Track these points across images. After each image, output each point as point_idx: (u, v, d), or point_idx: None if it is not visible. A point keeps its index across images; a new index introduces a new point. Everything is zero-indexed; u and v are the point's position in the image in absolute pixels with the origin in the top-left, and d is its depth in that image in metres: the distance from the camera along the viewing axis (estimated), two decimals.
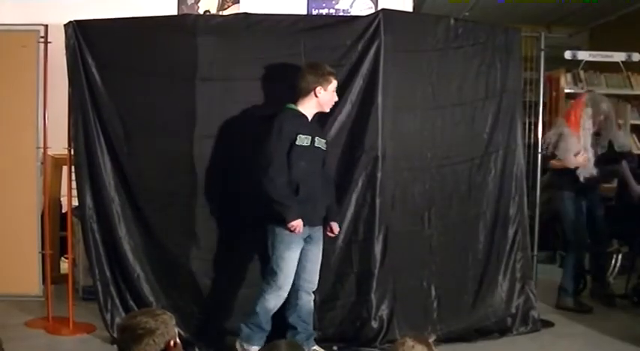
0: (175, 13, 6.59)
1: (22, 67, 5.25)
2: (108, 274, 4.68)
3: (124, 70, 4.60)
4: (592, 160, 5.45)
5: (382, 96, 4.51)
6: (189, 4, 6.71)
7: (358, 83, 4.50)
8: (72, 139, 4.69)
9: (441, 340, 4.30)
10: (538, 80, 5.59)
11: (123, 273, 4.67)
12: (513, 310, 4.94)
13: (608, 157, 5.58)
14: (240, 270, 4.55)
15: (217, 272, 4.55)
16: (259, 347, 4.10)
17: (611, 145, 5.61)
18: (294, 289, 4.21)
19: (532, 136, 6.07)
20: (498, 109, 4.90)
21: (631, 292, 5.81)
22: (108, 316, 4.64)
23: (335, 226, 4.33)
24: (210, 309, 4.56)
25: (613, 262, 6.01)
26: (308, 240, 4.18)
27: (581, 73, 7.86)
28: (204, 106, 4.49)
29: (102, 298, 4.66)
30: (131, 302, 4.65)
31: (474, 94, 4.85)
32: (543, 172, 5.77)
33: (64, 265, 5.62)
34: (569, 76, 7.84)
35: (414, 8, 7.06)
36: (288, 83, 4.39)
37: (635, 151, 5.84)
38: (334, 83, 4.20)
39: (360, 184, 4.52)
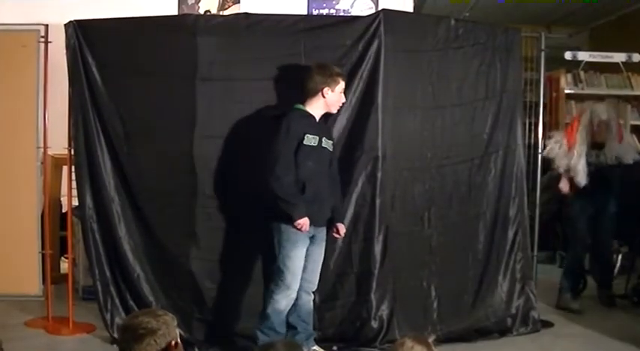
0: (176, 13, 6.59)
1: (23, 66, 5.26)
2: (108, 274, 4.69)
3: (124, 70, 4.61)
4: (581, 171, 5.48)
5: (382, 96, 4.51)
6: (189, 4, 6.72)
7: (358, 83, 4.50)
8: (72, 138, 4.70)
9: (441, 341, 4.29)
10: (538, 80, 5.59)
11: (123, 273, 4.67)
12: (513, 311, 4.94)
13: (600, 169, 5.59)
14: (240, 270, 4.55)
15: (217, 272, 4.55)
16: None
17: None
18: None
19: (532, 136, 6.08)
20: (498, 110, 4.90)
21: (631, 292, 5.81)
22: (108, 316, 4.64)
23: (341, 227, 4.34)
24: (216, 310, 4.56)
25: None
26: (311, 240, 4.18)
27: (582, 73, 7.86)
28: (204, 106, 4.49)
29: (102, 298, 4.66)
30: (131, 302, 4.65)
31: (474, 95, 4.85)
32: (543, 172, 5.77)
33: (64, 265, 5.61)
34: (569, 76, 7.85)
35: (414, 8, 7.06)
36: (288, 83, 4.41)
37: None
38: (342, 84, 4.21)
39: (360, 184, 4.52)
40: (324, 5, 6.76)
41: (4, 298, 5.32)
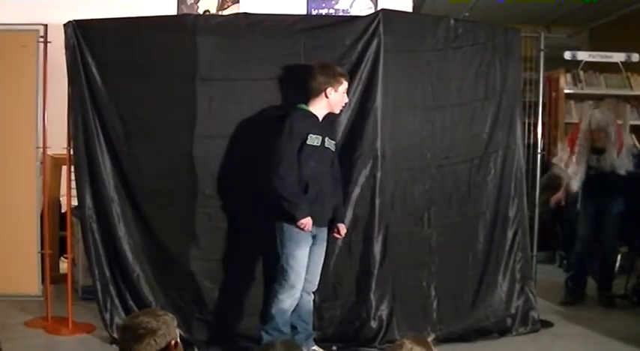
0: (175, 12, 6.58)
1: (22, 66, 5.25)
2: (107, 274, 4.68)
3: (124, 70, 4.60)
4: (576, 178, 5.60)
5: (382, 96, 4.51)
6: (188, 3, 6.71)
7: (358, 83, 4.49)
8: (71, 138, 4.69)
9: (441, 340, 4.30)
10: (538, 80, 5.59)
11: (122, 273, 4.67)
12: (513, 311, 4.94)
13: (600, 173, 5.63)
14: (240, 270, 4.55)
15: (217, 272, 4.55)
16: None
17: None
18: None
19: (532, 136, 6.08)
20: (498, 110, 4.90)
21: (630, 292, 5.81)
22: (107, 316, 4.64)
23: (342, 227, 4.34)
24: (216, 311, 4.56)
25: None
26: (313, 240, 4.19)
27: (581, 73, 7.87)
28: (204, 106, 4.48)
29: (101, 298, 4.66)
30: (130, 302, 4.65)
31: (474, 95, 4.84)
32: (543, 172, 5.78)
33: (64, 265, 5.61)
34: (568, 76, 7.86)
35: (413, 8, 7.06)
36: (288, 83, 4.41)
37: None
38: (345, 84, 4.22)
39: (359, 184, 4.52)
40: (324, 5, 6.76)
41: (4, 298, 5.31)
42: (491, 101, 4.89)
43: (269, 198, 4.13)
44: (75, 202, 4.83)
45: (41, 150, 5.07)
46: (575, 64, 7.71)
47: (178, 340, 2.43)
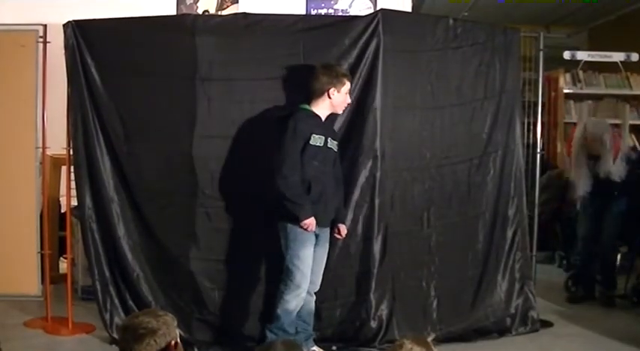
0: (174, 13, 6.58)
1: (21, 67, 5.24)
2: (107, 274, 4.68)
3: (123, 70, 4.60)
4: (580, 185, 5.69)
5: (381, 96, 4.51)
6: (188, 3, 6.71)
7: (357, 83, 4.49)
8: (71, 138, 4.69)
9: (441, 340, 4.30)
10: (537, 80, 5.59)
11: (122, 273, 4.67)
12: (512, 311, 4.94)
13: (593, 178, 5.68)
14: (240, 270, 4.54)
15: (217, 272, 4.55)
16: None
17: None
18: None
19: (531, 136, 6.08)
20: (497, 109, 4.90)
21: (630, 292, 5.82)
22: (107, 316, 4.64)
23: (343, 228, 4.35)
24: (216, 310, 4.56)
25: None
26: (315, 240, 4.19)
27: (580, 73, 7.88)
28: (203, 106, 4.48)
29: (101, 298, 4.66)
30: (130, 302, 4.65)
31: (473, 94, 4.84)
32: (542, 172, 5.78)
33: (63, 265, 5.61)
34: (568, 76, 7.87)
35: (413, 8, 7.06)
36: (287, 83, 4.41)
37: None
38: (347, 85, 4.22)
39: (359, 184, 4.52)
40: (323, 5, 6.75)
41: (3, 298, 5.31)
42: (491, 101, 4.89)
43: (270, 198, 4.13)
44: (74, 202, 4.84)
45: (41, 150, 5.06)
46: (574, 63, 7.71)
47: (178, 340, 2.43)
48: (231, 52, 4.52)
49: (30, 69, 5.16)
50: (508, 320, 4.93)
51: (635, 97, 7.90)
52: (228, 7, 6.71)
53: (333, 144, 4.22)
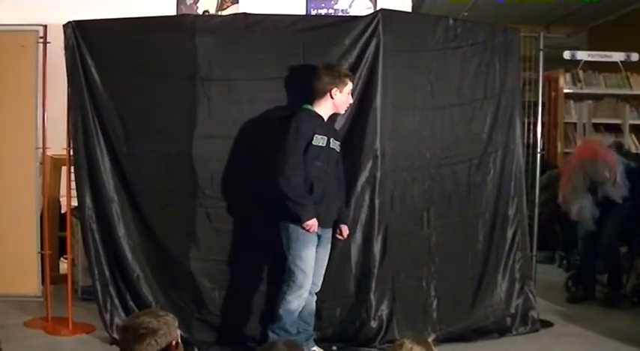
0: (174, 13, 6.58)
1: (21, 67, 5.24)
2: (107, 274, 4.68)
3: (123, 70, 4.60)
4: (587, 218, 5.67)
5: (381, 96, 4.51)
6: (188, 4, 6.71)
7: (357, 83, 4.49)
8: (71, 139, 4.69)
9: (441, 340, 4.30)
10: (537, 80, 5.60)
11: (122, 273, 4.66)
12: (513, 310, 4.94)
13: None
14: (240, 270, 4.54)
15: (217, 272, 4.55)
16: None
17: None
18: None
19: (531, 136, 6.08)
20: (497, 109, 4.90)
21: (630, 292, 5.82)
22: (107, 317, 4.63)
23: (345, 228, 4.34)
24: (216, 310, 4.56)
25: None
26: (317, 240, 4.18)
27: (580, 73, 7.89)
28: (203, 106, 4.49)
29: (101, 299, 4.65)
30: (130, 302, 4.65)
31: (473, 94, 4.84)
32: (542, 171, 5.78)
33: (64, 266, 5.61)
34: (568, 76, 7.87)
35: (412, 8, 7.06)
36: (287, 83, 4.41)
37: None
38: (350, 85, 4.23)
39: (359, 184, 4.52)
40: (323, 5, 6.75)
41: (4, 299, 5.31)
42: (491, 101, 4.89)
43: (271, 198, 4.13)
44: (75, 203, 4.83)
45: (41, 150, 5.06)
46: (574, 63, 7.72)
47: (179, 340, 2.43)
48: (231, 52, 4.52)
49: (30, 69, 5.16)
50: (508, 320, 4.93)
51: (635, 97, 7.91)
52: (228, 7, 6.71)
53: (335, 144, 4.22)
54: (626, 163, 5.64)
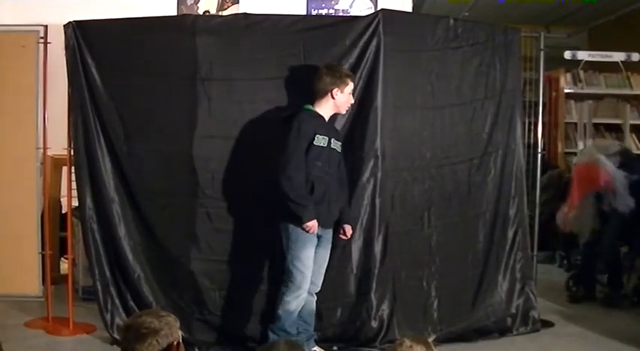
0: (175, 13, 6.58)
1: (22, 67, 5.26)
2: (108, 274, 4.68)
3: (124, 70, 4.60)
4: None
5: (381, 96, 4.51)
6: (188, 4, 6.71)
7: (357, 83, 4.49)
8: (72, 139, 4.69)
9: (441, 340, 4.31)
10: (537, 80, 5.60)
11: (123, 273, 4.67)
12: (513, 310, 4.94)
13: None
14: (241, 270, 4.54)
15: (217, 272, 4.55)
16: None
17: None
18: None
19: (532, 136, 6.08)
20: (498, 109, 4.90)
21: (631, 292, 5.82)
22: (108, 317, 4.63)
23: (348, 228, 4.34)
24: (216, 311, 4.56)
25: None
26: (317, 241, 4.18)
27: (581, 73, 7.88)
28: (203, 106, 4.49)
29: (102, 299, 4.65)
30: (131, 302, 4.65)
31: (474, 94, 4.84)
32: (543, 171, 5.78)
33: (64, 266, 5.61)
34: (568, 76, 7.87)
35: (413, 8, 7.06)
36: (288, 83, 4.41)
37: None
38: (351, 85, 4.23)
39: (359, 184, 4.52)
40: (323, 5, 6.75)
41: (4, 299, 5.31)
42: (491, 101, 4.89)
43: (271, 198, 4.13)
44: (75, 203, 4.83)
45: (41, 151, 5.07)
46: (575, 63, 7.72)
47: (181, 341, 2.43)
48: (231, 52, 4.52)
49: (31, 70, 5.17)
50: (509, 320, 4.92)
51: (635, 97, 7.91)
52: (228, 7, 6.71)
53: (336, 145, 4.22)
54: (629, 177, 5.61)
